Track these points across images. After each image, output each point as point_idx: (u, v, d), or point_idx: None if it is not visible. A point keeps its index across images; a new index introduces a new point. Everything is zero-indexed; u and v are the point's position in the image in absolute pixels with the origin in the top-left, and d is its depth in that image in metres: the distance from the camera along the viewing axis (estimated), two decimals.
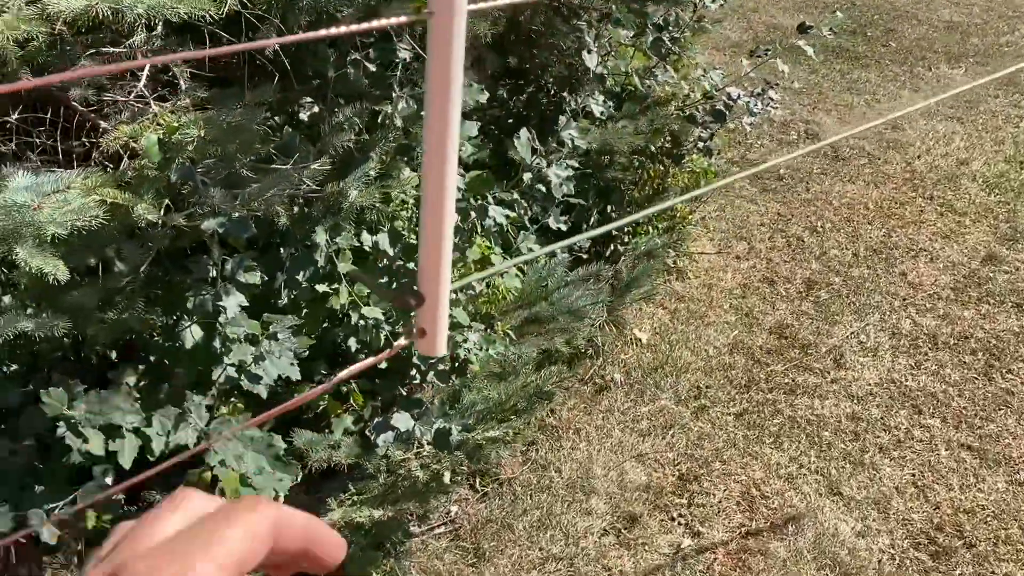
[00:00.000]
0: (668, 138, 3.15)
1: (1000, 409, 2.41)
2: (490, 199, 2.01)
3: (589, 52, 2.11)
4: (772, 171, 3.87)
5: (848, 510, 2.11)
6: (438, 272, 0.49)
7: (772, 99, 2.76)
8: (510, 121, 2.86)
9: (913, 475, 2.21)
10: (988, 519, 2.07)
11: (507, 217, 2.00)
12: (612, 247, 2.95)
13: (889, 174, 3.86)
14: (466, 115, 2.14)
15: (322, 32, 0.43)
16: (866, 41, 5.68)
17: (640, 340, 2.80)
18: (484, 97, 1.96)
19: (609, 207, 2.95)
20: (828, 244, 3.30)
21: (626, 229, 2.98)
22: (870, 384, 2.54)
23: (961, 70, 5.15)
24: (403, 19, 0.44)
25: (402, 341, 0.51)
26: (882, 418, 2.40)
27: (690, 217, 3.27)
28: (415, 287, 0.50)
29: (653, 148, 3.06)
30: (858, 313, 2.88)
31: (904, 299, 2.94)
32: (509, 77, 2.89)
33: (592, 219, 2.92)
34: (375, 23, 0.45)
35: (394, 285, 2.06)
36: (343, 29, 0.42)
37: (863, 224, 3.44)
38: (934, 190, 3.69)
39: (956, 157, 3.97)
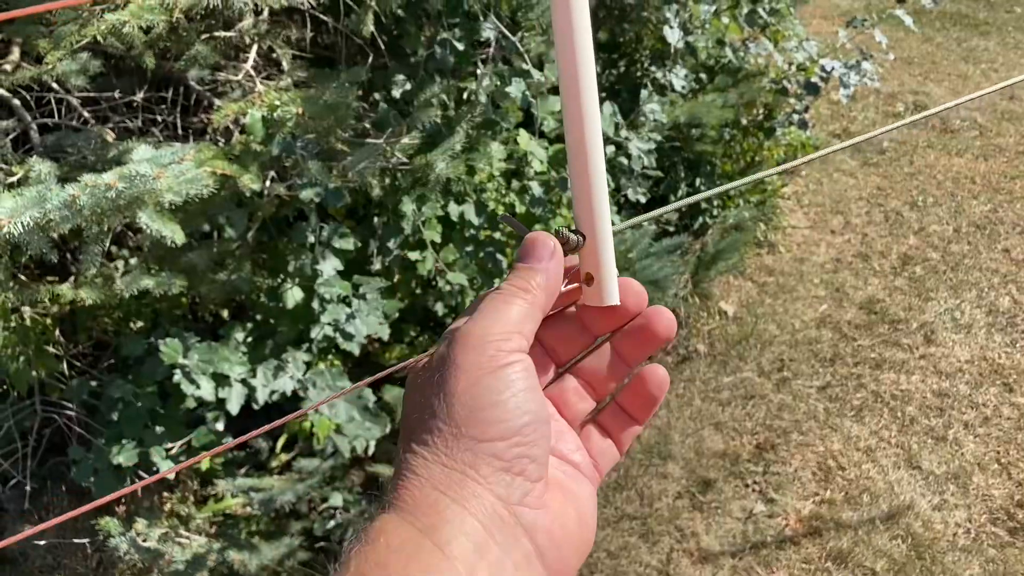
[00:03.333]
0: (762, 111, 3.14)
1: None
2: None
3: (671, 27, 2.15)
4: (874, 144, 3.78)
5: (927, 484, 2.11)
6: (591, 206, 0.43)
7: (867, 71, 2.72)
8: (602, 95, 2.92)
9: (998, 452, 2.18)
10: None
11: None
12: (700, 220, 2.98)
13: (1001, 147, 3.71)
14: (552, 90, 2.22)
15: None
16: (988, 7, 5.42)
17: (726, 313, 2.82)
18: None
19: (698, 180, 2.97)
20: (928, 219, 3.22)
21: (715, 202, 3.00)
22: (960, 361, 2.50)
23: None
24: None
25: (571, 287, 0.46)
26: (970, 395, 2.37)
27: (783, 191, 3.25)
28: (574, 228, 0.45)
29: (744, 121, 3.06)
30: (954, 289, 2.81)
31: (1005, 276, 2.86)
32: (603, 51, 2.94)
33: (680, 192, 2.95)
34: None
35: (481, 254, 2.17)
36: None
37: (968, 199, 3.33)
38: None
39: None
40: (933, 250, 3.04)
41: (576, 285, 0.46)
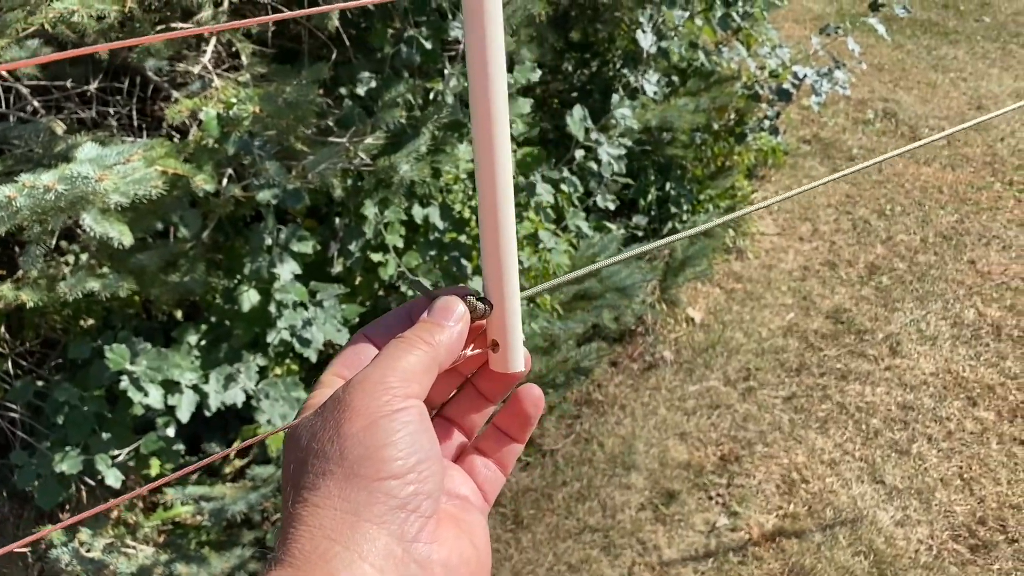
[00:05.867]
0: (733, 116, 3.11)
1: None
2: (538, 176, 2.04)
3: (644, 32, 2.10)
4: (844, 152, 3.78)
5: (889, 499, 2.10)
6: (501, 276, 0.45)
7: (839, 79, 2.70)
8: (573, 95, 2.88)
9: (960, 467, 2.17)
10: None
11: (555, 194, 2.03)
12: (670, 225, 2.95)
13: (968, 157, 3.73)
14: (521, 92, 2.17)
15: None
16: (958, 15, 5.46)
17: (693, 320, 2.80)
18: (536, 76, 1.98)
19: (668, 185, 2.94)
20: (896, 228, 3.22)
21: (685, 207, 2.97)
22: (925, 373, 2.49)
23: None
24: None
25: (469, 352, 0.47)
26: (934, 408, 2.36)
27: (752, 197, 3.24)
28: (482, 295, 0.46)
29: (716, 126, 3.04)
30: (920, 300, 2.81)
31: (970, 287, 2.86)
32: (574, 50, 2.90)
33: (650, 196, 2.92)
34: None
35: (445, 258, 2.12)
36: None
37: (935, 209, 3.34)
38: (1015, 175, 3.55)
39: None
40: (900, 260, 3.04)
41: (481, 351, 0.47)
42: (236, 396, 1.69)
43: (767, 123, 3.04)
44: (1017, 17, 5.40)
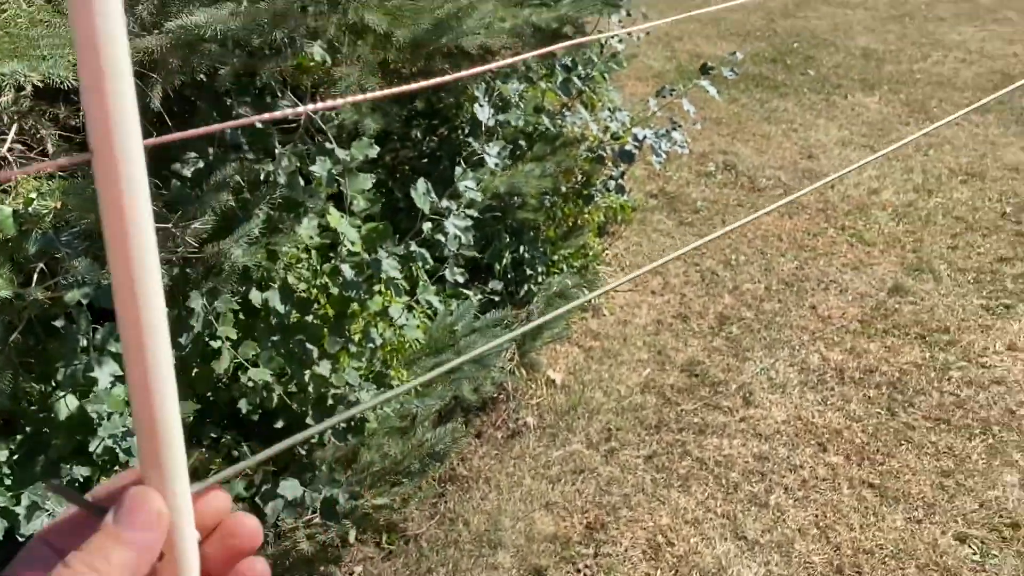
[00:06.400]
0: (580, 177, 3.16)
1: (901, 444, 2.45)
2: (383, 253, 1.98)
3: (481, 106, 2.10)
4: (689, 204, 3.91)
5: (752, 555, 2.12)
6: (162, 470, 0.36)
7: (677, 139, 2.79)
8: (424, 161, 2.84)
9: (816, 516, 2.22)
10: (886, 559, 2.09)
11: (400, 270, 1.98)
12: (526, 287, 2.94)
13: (803, 204, 3.93)
14: (364, 166, 2.11)
15: None
16: (785, 69, 5.81)
17: (554, 381, 2.78)
18: (374, 152, 1.93)
19: (522, 247, 2.94)
20: (741, 278, 3.33)
21: (540, 269, 2.98)
22: (777, 422, 2.56)
23: (875, 97, 5.30)
24: (63, 161, 0.36)
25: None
26: (788, 457, 2.42)
27: (604, 255, 3.28)
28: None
29: (564, 188, 3.07)
30: (768, 348, 2.91)
31: (813, 332, 2.98)
32: (422, 117, 2.87)
33: (505, 260, 2.91)
34: (39, 166, 0.39)
35: (290, 343, 2.01)
36: None
37: (776, 256, 3.49)
38: (845, 220, 3.77)
39: (867, 186, 4.07)
40: (747, 308, 3.14)
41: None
42: (43, 525, 1.52)
43: (613, 183, 3.10)
44: (837, 70, 5.81)
